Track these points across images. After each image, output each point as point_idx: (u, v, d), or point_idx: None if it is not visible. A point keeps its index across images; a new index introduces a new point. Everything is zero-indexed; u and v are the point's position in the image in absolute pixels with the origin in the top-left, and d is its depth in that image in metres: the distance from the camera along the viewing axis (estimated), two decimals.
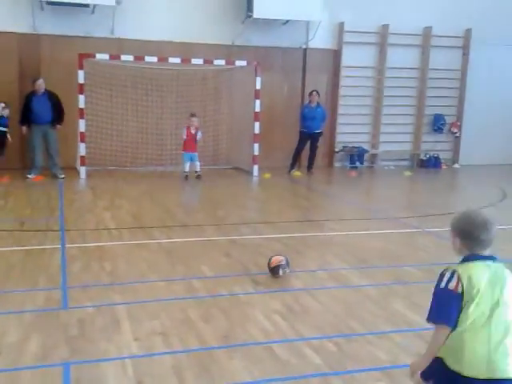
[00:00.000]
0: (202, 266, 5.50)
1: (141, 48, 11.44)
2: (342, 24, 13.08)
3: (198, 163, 11.06)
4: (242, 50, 12.38)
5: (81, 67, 10.48)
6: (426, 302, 4.58)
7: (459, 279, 2.38)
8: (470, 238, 2.45)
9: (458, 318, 2.38)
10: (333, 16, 12.88)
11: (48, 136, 10.61)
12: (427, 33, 13.65)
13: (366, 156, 13.84)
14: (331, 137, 13.53)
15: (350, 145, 13.59)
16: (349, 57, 13.13)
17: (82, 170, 10.81)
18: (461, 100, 14.33)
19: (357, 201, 9.74)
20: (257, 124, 11.66)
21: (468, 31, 13.94)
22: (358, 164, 13.57)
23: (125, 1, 11.44)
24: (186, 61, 11.31)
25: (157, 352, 3.70)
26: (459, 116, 14.41)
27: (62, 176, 10.57)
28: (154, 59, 11.10)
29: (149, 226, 7.17)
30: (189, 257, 5.85)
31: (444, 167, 14.09)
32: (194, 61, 11.33)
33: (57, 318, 4.19)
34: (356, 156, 13.61)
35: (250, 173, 11.74)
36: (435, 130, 14.27)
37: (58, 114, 10.63)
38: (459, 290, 2.37)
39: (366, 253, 6.21)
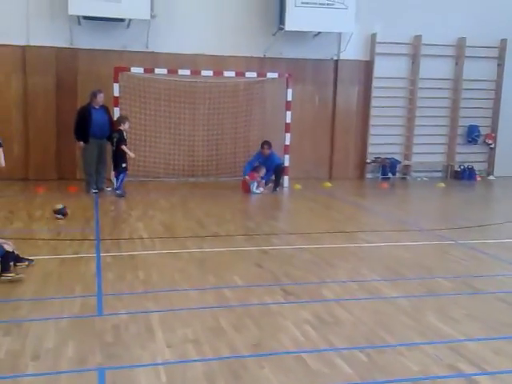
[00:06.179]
0: (233, 275, 5.56)
1: (174, 61, 11.67)
2: (374, 35, 13.07)
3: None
4: (273, 62, 12.49)
5: (116, 80, 10.74)
6: (459, 314, 4.59)
7: None
8: None
9: None
10: (365, 27, 12.88)
11: (103, 150, 10.31)
12: (461, 43, 13.53)
13: (399, 167, 13.73)
14: (363, 148, 13.47)
15: (382, 156, 13.52)
16: (381, 68, 13.09)
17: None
18: (495, 111, 14.13)
19: (389, 212, 9.67)
20: (288, 135, 11.72)
21: (503, 41, 13.77)
22: (390, 175, 13.47)
23: (159, 15, 11.69)
24: (218, 73, 11.49)
25: (189, 359, 3.75)
26: (494, 127, 14.20)
27: (109, 188, 10.53)
28: (187, 72, 11.31)
29: (181, 235, 7.28)
30: (220, 266, 5.91)
31: (479, 179, 13.88)
32: (226, 73, 11.52)
33: (92, 324, 4.29)
34: (388, 167, 13.51)
35: (280, 183, 11.79)
36: (469, 141, 14.08)
37: (112, 127, 10.26)
38: None
39: (398, 264, 6.18)
